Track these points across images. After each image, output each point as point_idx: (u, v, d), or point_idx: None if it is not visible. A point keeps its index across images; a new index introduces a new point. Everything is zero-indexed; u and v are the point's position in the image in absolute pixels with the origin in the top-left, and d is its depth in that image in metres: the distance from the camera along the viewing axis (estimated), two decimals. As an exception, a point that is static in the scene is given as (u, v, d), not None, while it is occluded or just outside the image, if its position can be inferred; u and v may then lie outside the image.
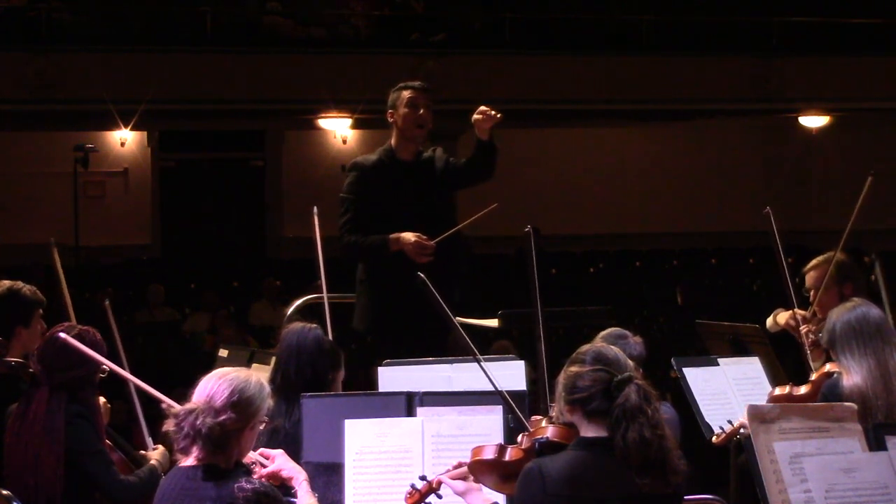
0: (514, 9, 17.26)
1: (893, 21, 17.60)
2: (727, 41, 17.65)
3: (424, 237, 6.42)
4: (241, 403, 4.05)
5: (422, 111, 6.63)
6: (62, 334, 5.07)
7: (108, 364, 5.05)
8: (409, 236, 6.42)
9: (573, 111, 18.01)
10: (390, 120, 6.69)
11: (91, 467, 5.00)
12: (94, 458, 5.01)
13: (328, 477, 4.51)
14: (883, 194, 18.27)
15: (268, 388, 4.18)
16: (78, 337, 5.07)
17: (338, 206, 6.68)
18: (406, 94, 6.63)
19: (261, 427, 4.21)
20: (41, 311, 5.68)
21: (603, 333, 5.19)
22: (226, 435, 4.03)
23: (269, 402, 4.18)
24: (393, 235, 6.46)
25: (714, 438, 5.78)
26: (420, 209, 6.59)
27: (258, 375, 4.21)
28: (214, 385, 4.08)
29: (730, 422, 5.68)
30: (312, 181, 18.05)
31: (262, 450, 4.46)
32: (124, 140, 18.14)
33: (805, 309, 6.49)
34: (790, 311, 6.53)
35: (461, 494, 4.12)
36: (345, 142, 18.84)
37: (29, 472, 4.93)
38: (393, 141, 6.70)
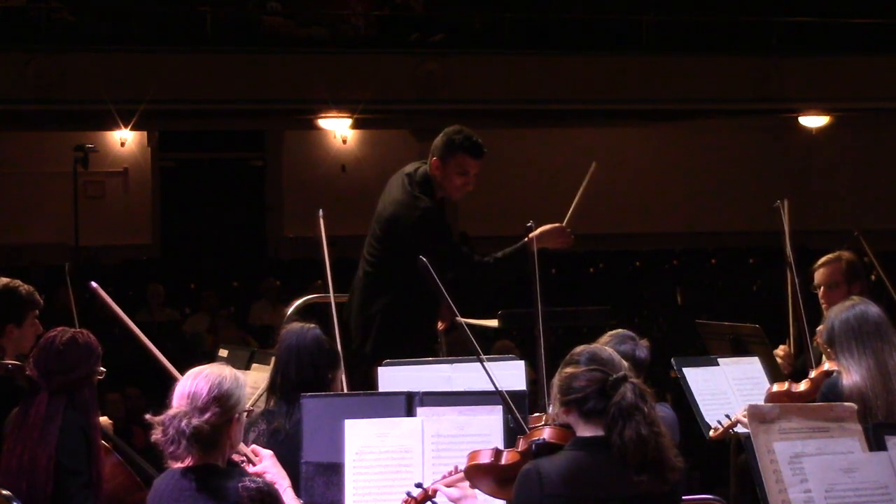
0: (514, 9, 17.25)
1: (893, 21, 17.60)
2: (727, 41, 17.64)
3: (558, 223, 6.41)
4: (222, 397, 4.08)
5: (473, 177, 6.41)
6: (55, 339, 5.01)
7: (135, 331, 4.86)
8: (547, 227, 6.37)
9: (573, 111, 17.98)
10: (434, 166, 6.35)
11: (64, 485, 4.88)
12: (72, 477, 4.88)
13: (328, 477, 4.51)
14: (882, 195, 18.35)
15: (242, 378, 4.20)
16: (71, 340, 5.01)
17: (427, 243, 6.09)
18: (465, 160, 6.33)
19: (244, 418, 4.22)
20: (37, 312, 5.63)
21: (611, 333, 5.14)
22: (214, 432, 4.05)
23: (246, 391, 4.20)
24: (531, 235, 6.28)
25: (712, 432, 5.78)
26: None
27: (230, 367, 4.23)
28: (192, 385, 4.10)
29: (727, 416, 5.68)
30: (312, 181, 18.06)
31: (253, 446, 4.46)
32: (124, 140, 18.14)
33: (803, 309, 6.47)
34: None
35: (457, 503, 4.12)
36: (345, 142, 18.82)
37: (24, 476, 4.88)
38: (434, 179, 6.39)
